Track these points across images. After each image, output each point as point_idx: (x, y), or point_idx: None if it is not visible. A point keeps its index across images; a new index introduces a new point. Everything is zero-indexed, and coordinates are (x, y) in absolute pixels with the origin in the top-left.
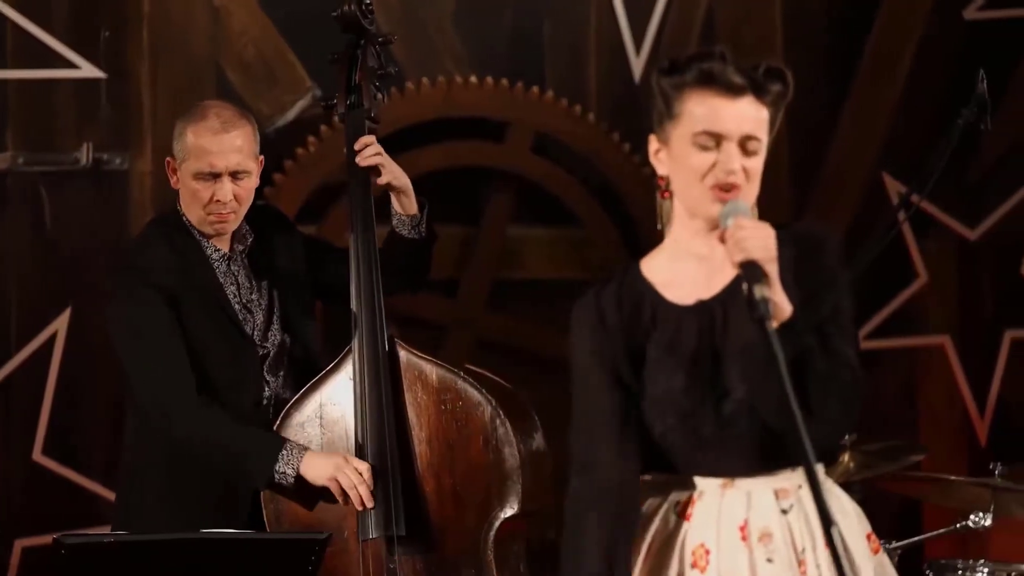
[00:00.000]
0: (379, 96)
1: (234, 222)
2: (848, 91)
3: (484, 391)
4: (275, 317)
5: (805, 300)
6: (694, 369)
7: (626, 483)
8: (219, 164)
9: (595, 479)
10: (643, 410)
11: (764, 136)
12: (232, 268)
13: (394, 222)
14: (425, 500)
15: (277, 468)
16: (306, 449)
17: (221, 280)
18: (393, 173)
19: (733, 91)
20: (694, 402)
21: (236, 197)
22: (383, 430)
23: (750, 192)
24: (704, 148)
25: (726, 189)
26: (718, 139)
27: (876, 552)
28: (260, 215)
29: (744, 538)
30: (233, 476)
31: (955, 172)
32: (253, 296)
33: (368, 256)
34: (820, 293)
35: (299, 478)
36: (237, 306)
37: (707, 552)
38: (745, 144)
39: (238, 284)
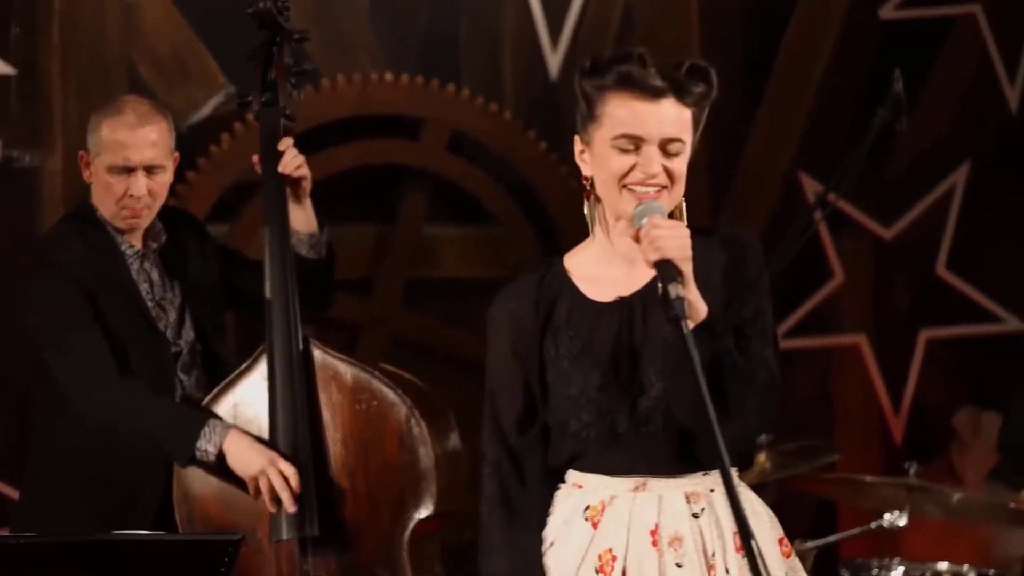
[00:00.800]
0: (295, 94)
1: (147, 217)
2: (765, 90)
3: (399, 391)
4: (187, 316)
5: (729, 303)
6: (612, 366)
7: (532, 481)
8: (134, 158)
9: (504, 478)
10: (557, 407)
11: (687, 136)
12: (145, 266)
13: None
14: (339, 501)
15: (198, 445)
16: (232, 426)
17: (134, 276)
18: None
19: (653, 94)
20: (611, 399)
21: (150, 192)
22: (297, 430)
23: (675, 193)
24: (624, 151)
25: (651, 189)
26: (638, 142)
27: (788, 556)
28: (174, 216)
29: (655, 543)
30: (155, 449)
31: (871, 171)
32: (167, 294)
33: (282, 254)
34: (743, 296)
35: (221, 459)
36: (150, 303)
37: (613, 558)
38: (666, 146)
39: (151, 281)
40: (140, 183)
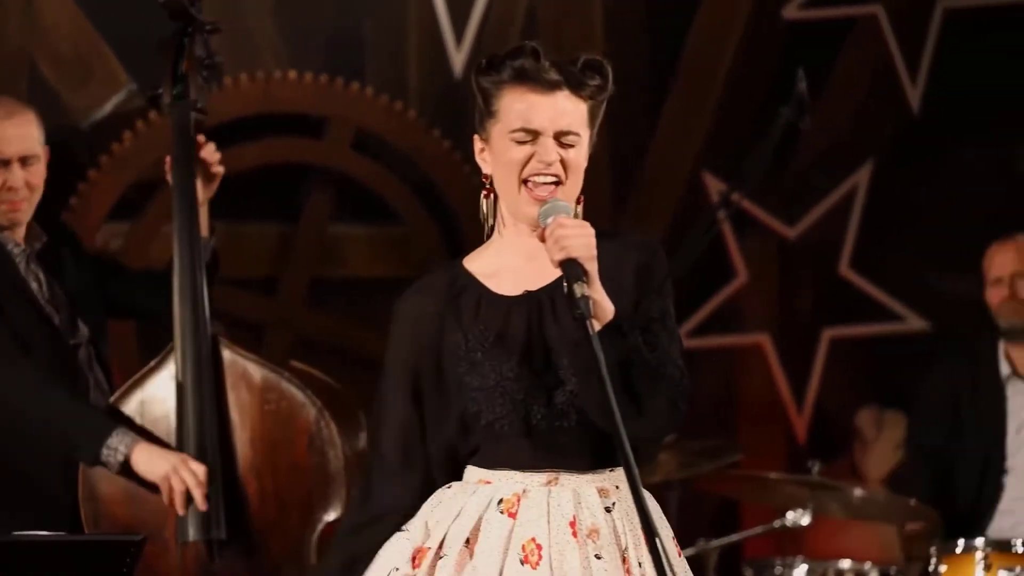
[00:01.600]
0: (207, 86)
1: (27, 210)
2: (669, 89)
3: (309, 392)
4: (76, 315)
5: (639, 303)
6: (526, 357)
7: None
8: (7, 151)
9: (374, 507)
10: (470, 399)
11: (583, 130)
12: (32, 266)
13: None
14: (247, 502)
15: (108, 443)
16: (140, 437)
17: (24, 275)
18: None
19: (548, 86)
20: (526, 390)
21: (27, 184)
22: (204, 431)
23: (572, 186)
24: (521, 143)
25: (546, 183)
26: (534, 134)
27: (679, 555)
28: (50, 224)
29: (575, 534)
30: (61, 446)
31: (774, 171)
32: (55, 290)
33: (192, 252)
34: (651, 297)
35: (126, 466)
36: (42, 300)
37: (539, 547)
38: (561, 138)
39: (40, 280)
40: (17, 175)
